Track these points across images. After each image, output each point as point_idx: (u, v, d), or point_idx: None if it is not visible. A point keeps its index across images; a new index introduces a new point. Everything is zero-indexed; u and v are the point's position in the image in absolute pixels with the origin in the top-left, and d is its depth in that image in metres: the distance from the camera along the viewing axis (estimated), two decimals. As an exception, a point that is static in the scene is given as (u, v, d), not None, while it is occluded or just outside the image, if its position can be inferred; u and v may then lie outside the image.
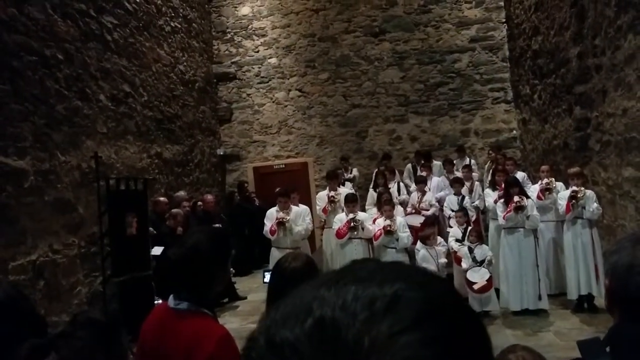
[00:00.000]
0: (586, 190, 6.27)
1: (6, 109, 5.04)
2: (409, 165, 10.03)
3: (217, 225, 8.28)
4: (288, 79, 11.64)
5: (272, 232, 6.93)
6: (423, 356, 0.37)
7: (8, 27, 5.19)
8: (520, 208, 6.33)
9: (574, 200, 6.18)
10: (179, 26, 9.95)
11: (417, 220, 8.00)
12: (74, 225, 6.02)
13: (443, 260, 6.86)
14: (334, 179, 8.02)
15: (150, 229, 7.04)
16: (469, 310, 0.44)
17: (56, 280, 5.61)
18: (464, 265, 6.71)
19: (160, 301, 2.05)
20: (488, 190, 7.47)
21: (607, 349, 1.34)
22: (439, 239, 7.11)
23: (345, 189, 8.34)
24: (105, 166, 6.73)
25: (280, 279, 1.94)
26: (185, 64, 10.10)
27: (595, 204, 6.18)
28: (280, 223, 6.84)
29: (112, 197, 6.38)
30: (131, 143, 7.73)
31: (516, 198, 6.37)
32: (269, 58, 11.72)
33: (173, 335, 1.85)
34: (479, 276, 6.56)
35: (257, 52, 11.77)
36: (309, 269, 1.95)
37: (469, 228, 7.12)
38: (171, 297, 1.93)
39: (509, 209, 6.43)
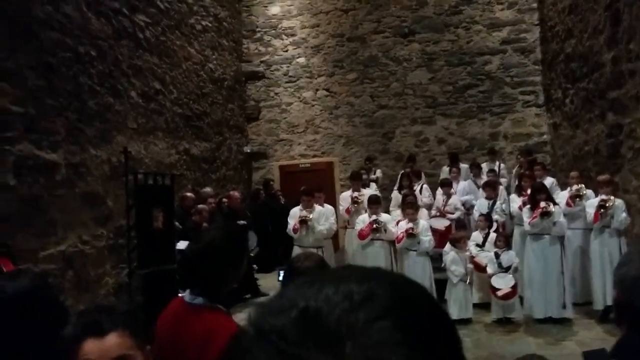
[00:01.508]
0: (616, 199, 6.13)
1: (41, 103, 5.22)
2: (445, 168, 9.93)
3: (242, 222, 8.39)
4: (316, 78, 11.69)
5: (294, 230, 6.99)
6: (394, 339, 0.41)
7: (44, 24, 5.36)
8: (546, 214, 6.23)
9: (602, 210, 6.04)
10: (210, 25, 10.09)
11: (441, 224, 7.95)
12: (102, 217, 6.18)
13: (469, 265, 6.81)
14: (357, 180, 8.03)
15: (176, 223, 7.18)
16: (436, 305, 0.49)
17: (84, 271, 5.77)
18: (490, 270, 6.64)
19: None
20: (513, 196, 7.36)
21: (613, 361, 1.33)
22: (468, 243, 7.06)
23: (370, 190, 8.33)
24: (134, 161, 6.88)
25: (293, 278, 1.98)
26: (214, 62, 10.24)
27: (624, 214, 6.03)
28: (303, 221, 6.90)
29: (139, 191, 6.54)
30: (160, 139, 7.89)
31: (542, 204, 6.27)
32: (298, 57, 11.78)
33: (188, 329, 1.89)
34: (503, 282, 6.48)
35: (286, 51, 11.85)
36: (320, 269, 1.98)
37: (492, 233, 7.05)
38: (187, 291, 1.98)
39: (535, 215, 6.33)
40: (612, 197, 6.12)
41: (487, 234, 7.09)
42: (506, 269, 6.53)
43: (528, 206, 6.52)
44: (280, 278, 2.28)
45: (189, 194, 8.01)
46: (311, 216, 6.95)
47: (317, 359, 0.40)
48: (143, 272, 6.25)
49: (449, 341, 0.47)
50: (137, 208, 6.46)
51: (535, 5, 10.62)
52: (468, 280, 6.75)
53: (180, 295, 2.07)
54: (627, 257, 1.41)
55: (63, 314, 1.89)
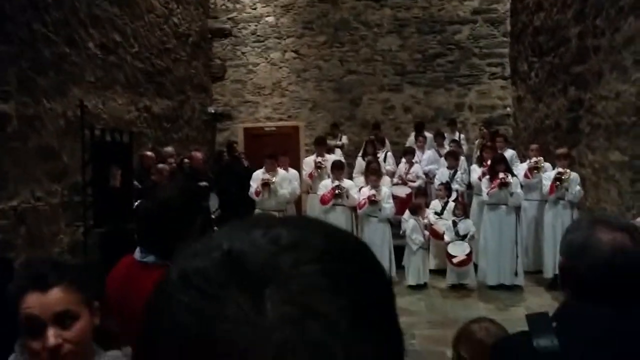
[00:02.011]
0: (571, 173, 6.30)
1: (-10, 50, 4.92)
2: (412, 137, 9.97)
3: (203, 183, 8.27)
4: (284, 39, 11.43)
5: (257, 194, 6.94)
6: (321, 283, 0.40)
7: (-6, -36, 5.01)
8: (504, 184, 6.37)
9: (558, 182, 6.21)
10: (176, -24, 9.68)
11: (403, 192, 8.03)
12: (57, 173, 5.96)
13: (426, 232, 6.93)
14: (322, 145, 7.99)
15: (135, 182, 7.02)
16: (372, 259, 0.47)
17: (38, 228, 5.59)
18: (447, 238, 6.78)
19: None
20: (474, 166, 7.49)
21: (554, 325, 1.36)
22: (427, 211, 7.17)
23: (334, 156, 8.31)
24: (91, 116, 6.64)
25: None
26: (179, 16, 9.87)
27: (578, 187, 6.22)
28: (266, 184, 6.85)
29: (96, 148, 6.34)
30: (119, 94, 7.61)
31: (501, 175, 6.40)
32: (267, 16, 11.47)
33: (137, 287, 1.85)
34: (459, 250, 6.64)
35: (255, 9, 11.51)
36: None
37: (451, 202, 7.18)
38: (137, 249, 1.94)
39: (493, 185, 6.46)
40: (568, 171, 6.29)
41: (446, 203, 7.22)
42: (463, 237, 6.68)
43: (487, 177, 6.64)
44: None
45: (149, 153, 7.81)
46: (274, 179, 6.90)
47: (238, 300, 0.39)
48: (99, 231, 6.12)
49: (381, 295, 0.45)
50: (94, 165, 6.27)
51: (507, -24, 10.59)
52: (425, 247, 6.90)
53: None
54: (575, 224, 1.43)
55: (4, 268, 1.81)
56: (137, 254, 1.95)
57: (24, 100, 5.38)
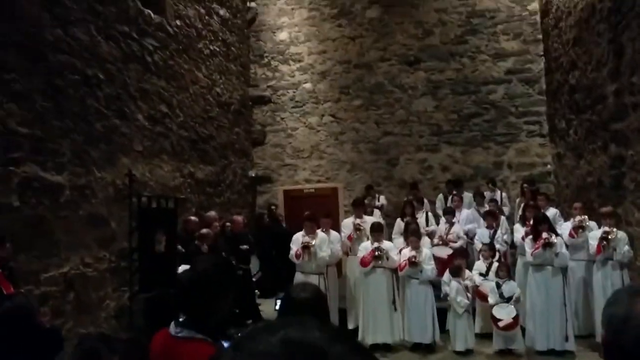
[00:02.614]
0: (618, 232, 6.10)
1: (47, 125, 5.30)
2: (441, 195, 9.95)
3: (244, 246, 8.40)
4: (322, 104, 11.79)
5: (297, 257, 6.98)
6: None
7: (53, 47, 5.48)
8: (548, 245, 6.21)
9: (604, 242, 6.02)
10: (218, 49, 10.26)
11: (444, 252, 7.92)
12: (105, 240, 6.21)
13: (469, 294, 6.76)
14: (359, 207, 8.03)
15: (179, 247, 7.20)
16: None
17: (86, 293, 5.78)
18: (491, 300, 6.58)
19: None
20: (517, 226, 7.35)
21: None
22: (467, 273, 7.01)
23: (373, 218, 8.32)
24: (139, 184, 6.94)
25: (288, 309, 1.98)
26: (222, 86, 10.38)
27: (627, 247, 6.01)
28: (305, 247, 6.89)
29: (143, 214, 6.59)
30: (165, 162, 7.96)
31: (545, 235, 6.25)
32: (304, 83, 11.92)
33: None
34: (505, 313, 6.42)
35: (293, 76, 11.99)
36: (316, 300, 1.99)
37: (496, 263, 7.01)
38: (172, 324, 1.98)
39: (537, 246, 6.31)
40: (614, 229, 6.10)
41: (491, 264, 7.05)
42: (507, 300, 6.47)
43: (530, 237, 6.50)
44: (277, 307, 2.28)
45: (192, 218, 8.04)
46: (314, 242, 6.95)
47: None
48: (145, 296, 6.25)
49: None
50: (140, 231, 6.50)
51: (540, 36, 10.74)
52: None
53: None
54: (614, 296, 1.41)
55: (53, 338, 1.91)
56: (172, 329, 1.99)
57: (77, 170, 5.71)
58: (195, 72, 9.23)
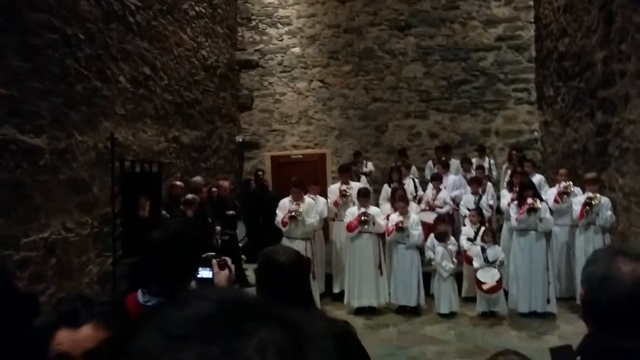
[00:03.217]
0: (601, 197, 6.16)
1: (25, 86, 5.14)
2: (430, 162, 9.94)
3: (230, 212, 8.36)
4: (310, 69, 11.61)
5: (283, 224, 6.95)
6: None
7: (30, 4, 5.27)
8: (533, 210, 6.26)
9: (588, 207, 6.07)
10: (204, 11, 9.99)
11: (430, 217, 7.94)
12: (87, 204, 6.12)
13: (454, 259, 6.84)
14: (346, 173, 8.00)
15: (164, 212, 7.14)
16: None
17: (68, 258, 5.72)
18: (476, 264, 6.67)
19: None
20: (504, 192, 7.40)
21: (578, 358, 1.32)
22: (452, 238, 7.08)
23: (360, 183, 8.31)
24: (121, 148, 6.83)
25: (269, 271, 1.93)
26: (207, 49, 10.15)
27: (609, 212, 6.07)
28: (293, 217, 6.85)
29: (126, 179, 6.50)
30: (149, 126, 7.82)
31: (529, 200, 6.29)
32: (293, 47, 11.70)
33: None
34: (489, 276, 6.52)
35: (281, 40, 11.76)
36: (297, 264, 1.95)
37: (483, 228, 7.06)
38: (139, 291, 1.87)
39: (521, 211, 6.35)
40: (598, 195, 6.16)
41: (479, 228, 7.09)
42: (492, 264, 6.55)
43: (515, 202, 6.54)
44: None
45: (178, 183, 7.95)
46: (301, 209, 6.91)
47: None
48: (128, 261, 6.22)
49: None
50: (123, 196, 6.42)
51: (531, 3, 10.59)
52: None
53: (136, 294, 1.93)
54: (594, 255, 1.40)
55: (29, 303, 1.86)
56: (140, 296, 1.88)
57: (56, 134, 5.57)
58: (180, 34, 8.99)
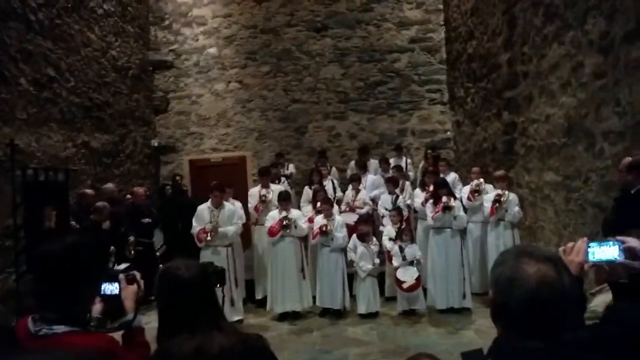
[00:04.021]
0: (510, 194, 6.50)
1: None
2: (352, 163, 10.05)
3: (146, 219, 8.02)
4: (228, 70, 11.41)
5: (199, 240, 6.72)
6: None
7: None
8: (447, 208, 6.49)
9: (497, 204, 6.39)
10: (113, 9, 9.51)
11: (351, 218, 8.03)
12: (-15, 217, 5.62)
13: (376, 260, 6.93)
14: (266, 175, 7.90)
15: (73, 222, 6.71)
16: None
17: (-37, 276, 5.23)
18: (395, 263, 6.80)
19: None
20: (417, 191, 7.61)
21: (489, 361, 1.35)
22: (373, 238, 7.16)
23: (280, 186, 8.24)
24: (24, 154, 6.35)
25: (171, 289, 1.82)
26: (118, 49, 9.68)
27: (517, 208, 6.43)
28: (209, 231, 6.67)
29: (29, 188, 6.04)
30: (55, 131, 7.32)
31: (444, 199, 6.52)
32: (209, 47, 11.43)
33: None
34: (408, 275, 6.66)
35: (197, 40, 11.45)
36: (203, 278, 1.86)
37: (403, 227, 7.22)
38: (30, 318, 1.61)
39: (437, 209, 6.57)
40: (506, 192, 6.49)
41: (400, 228, 7.22)
42: (410, 263, 6.71)
43: (431, 201, 6.75)
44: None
45: (88, 191, 7.52)
46: (218, 228, 6.70)
47: None
48: (33, 276, 5.77)
49: None
50: (27, 206, 5.96)
51: (441, 6, 11.03)
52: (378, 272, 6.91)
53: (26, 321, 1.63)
54: (501, 257, 1.43)
55: None
56: (30, 324, 1.59)
57: (-53, 141, 5.08)
58: (87, 33, 8.50)
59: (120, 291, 1.97)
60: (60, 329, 1.57)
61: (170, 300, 1.81)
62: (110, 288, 1.96)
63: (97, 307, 1.94)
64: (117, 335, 1.82)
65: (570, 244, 1.84)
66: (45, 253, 1.66)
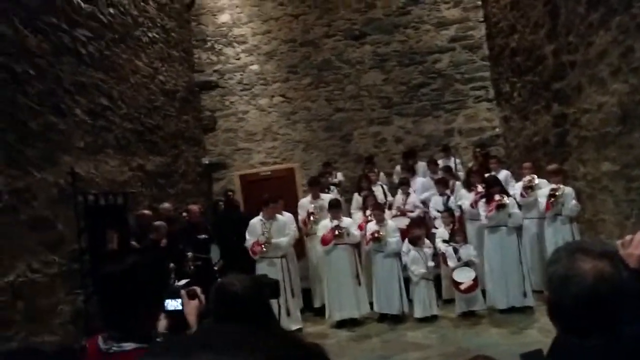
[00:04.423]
0: (565, 187, 6.29)
1: (-24, 128, 4.98)
2: (398, 167, 10.01)
3: (202, 236, 8.24)
4: (271, 85, 11.62)
5: (254, 253, 6.88)
6: None
7: (-26, 45, 5.13)
8: (501, 206, 6.35)
9: (552, 199, 6.19)
10: (157, 36, 9.89)
11: (402, 223, 7.99)
12: (53, 243, 5.93)
13: (430, 262, 6.85)
14: (315, 186, 7.98)
15: (133, 242, 6.99)
16: None
17: (36, 300, 5.53)
18: (450, 264, 6.70)
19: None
20: (463, 191, 7.46)
21: (549, 361, 1.33)
22: (426, 241, 7.10)
23: (330, 195, 8.30)
24: (84, 181, 6.67)
25: (224, 304, 1.88)
26: (165, 74, 10.04)
27: (574, 201, 6.21)
28: (263, 243, 6.82)
29: (91, 213, 6.35)
30: (111, 157, 7.66)
31: (497, 197, 6.38)
32: (251, 65, 11.69)
33: None
34: (465, 276, 6.55)
35: (239, 59, 11.74)
36: (256, 291, 1.91)
37: (455, 228, 7.11)
38: (100, 337, 1.70)
39: (490, 208, 6.43)
40: (561, 186, 6.29)
41: (452, 229, 7.13)
42: (465, 264, 6.60)
43: (483, 200, 6.62)
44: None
45: (146, 212, 7.81)
46: (271, 240, 6.84)
47: None
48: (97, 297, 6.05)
49: None
50: (90, 230, 6.27)
51: (479, 2, 10.84)
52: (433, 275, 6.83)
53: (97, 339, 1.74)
54: (554, 255, 1.41)
55: None
56: (100, 342, 1.69)
57: (12, 172, 5.41)
58: (135, 61, 8.88)
59: (182, 306, 2.05)
60: (129, 346, 1.65)
61: (225, 315, 1.87)
62: (173, 304, 2.04)
63: (162, 323, 2.03)
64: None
65: (628, 237, 1.78)
66: (106, 274, 1.76)
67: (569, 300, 1.29)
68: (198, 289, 2.13)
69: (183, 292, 2.08)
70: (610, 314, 1.26)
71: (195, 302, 2.08)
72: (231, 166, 11.73)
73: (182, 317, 2.06)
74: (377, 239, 6.74)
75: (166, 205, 8.64)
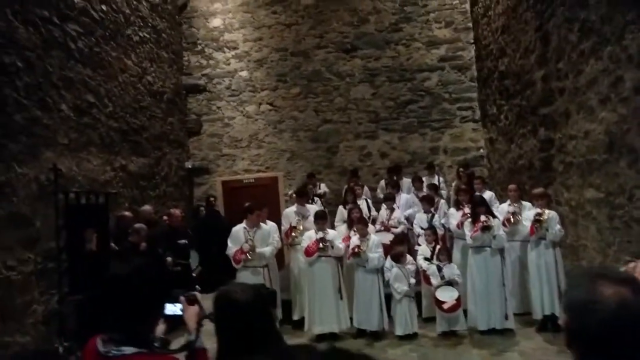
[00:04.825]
0: (549, 212, 6.35)
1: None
2: (382, 182, 10.02)
3: (183, 241, 8.11)
4: (259, 92, 11.58)
5: (237, 261, 6.77)
6: None
7: (-36, 33, 4.99)
8: (487, 228, 6.37)
9: (537, 223, 6.24)
10: (148, 36, 9.79)
11: (386, 238, 7.95)
12: (30, 240, 5.76)
13: (412, 279, 6.82)
14: (303, 197, 7.92)
15: (112, 244, 6.84)
16: None
17: (10, 298, 5.35)
18: (434, 282, 6.68)
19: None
20: (452, 210, 7.49)
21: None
22: (409, 258, 7.07)
23: (315, 206, 8.25)
24: (65, 179, 6.51)
25: (228, 313, 1.82)
26: (153, 74, 9.93)
27: (558, 226, 6.26)
28: (246, 251, 6.73)
29: (71, 211, 6.19)
30: (94, 155, 7.51)
31: (483, 218, 6.41)
32: (240, 71, 11.65)
33: None
34: (448, 295, 6.52)
35: (228, 64, 11.69)
36: (260, 301, 1.86)
37: (438, 247, 7.10)
38: (98, 339, 1.65)
39: (476, 229, 6.45)
40: (546, 210, 6.34)
41: (434, 247, 7.12)
42: (449, 282, 6.59)
43: (469, 220, 6.64)
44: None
45: (127, 213, 7.67)
46: (255, 248, 6.77)
47: None
48: (75, 298, 5.88)
49: None
50: (68, 229, 6.10)
51: (470, 24, 11.01)
52: (414, 293, 6.79)
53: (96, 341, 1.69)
54: (573, 280, 1.39)
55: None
56: (100, 346, 1.65)
57: (-5, 167, 5.25)
58: (124, 60, 8.76)
59: (182, 311, 2.00)
60: (128, 350, 1.59)
61: (229, 323, 1.81)
62: (173, 309, 1.99)
63: (160, 328, 1.97)
64: (181, 356, 1.83)
65: (632, 264, 1.79)
66: (114, 275, 1.70)
67: (591, 326, 1.27)
68: (198, 295, 2.08)
69: (182, 297, 2.03)
70: (633, 340, 1.25)
71: (195, 308, 2.03)
72: (214, 171, 11.63)
73: (180, 322, 2.02)
74: (356, 254, 6.68)
75: (147, 207, 8.50)
